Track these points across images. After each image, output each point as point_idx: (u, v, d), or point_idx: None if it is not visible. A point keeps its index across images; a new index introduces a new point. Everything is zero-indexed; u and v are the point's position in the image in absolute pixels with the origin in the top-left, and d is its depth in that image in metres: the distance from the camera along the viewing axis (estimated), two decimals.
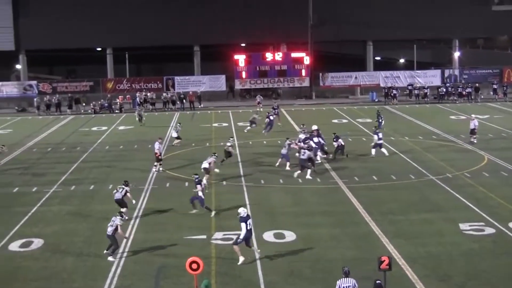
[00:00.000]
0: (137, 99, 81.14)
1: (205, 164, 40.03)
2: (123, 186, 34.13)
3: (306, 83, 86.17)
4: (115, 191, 34.15)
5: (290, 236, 30.07)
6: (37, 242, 30.17)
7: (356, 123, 63.96)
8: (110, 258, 27.90)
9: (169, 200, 37.07)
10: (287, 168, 43.36)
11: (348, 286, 20.88)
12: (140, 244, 29.45)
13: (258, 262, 26.73)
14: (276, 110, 62.52)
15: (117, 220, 28.34)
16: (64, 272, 26.36)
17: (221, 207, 34.89)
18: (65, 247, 29.36)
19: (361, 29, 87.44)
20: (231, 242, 29.14)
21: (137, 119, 67.05)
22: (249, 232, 27.14)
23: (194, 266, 21.25)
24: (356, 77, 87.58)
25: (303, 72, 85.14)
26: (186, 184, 40.33)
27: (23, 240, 30.50)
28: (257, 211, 34.07)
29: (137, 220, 33.07)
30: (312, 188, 38.86)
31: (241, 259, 26.96)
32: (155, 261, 27.22)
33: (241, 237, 27.05)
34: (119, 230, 28.28)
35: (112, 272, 26.13)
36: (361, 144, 52.47)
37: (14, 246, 29.73)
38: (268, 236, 30.04)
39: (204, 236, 30.03)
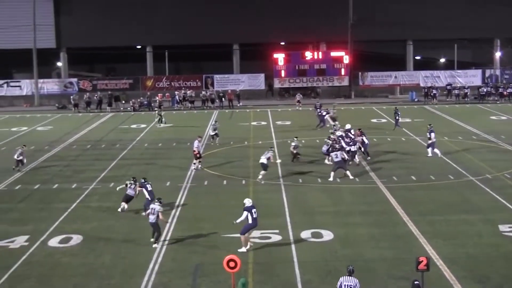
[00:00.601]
0: (176, 97, 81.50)
1: (263, 159, 40.21)
2: (132, 182, 34.87)
3: (345, 82, 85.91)
4: (126, 186, 34.88)
5: (327, 235, 30.00)
6: (76, 238, 30.41)
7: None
8: (154, 245, 28.82)
9: (207, 198, 37.18)
10: (326, 162, 44.24)
11: (350, 285, 20.70)
12: (178, 242, 29.55)
13: (296, 261, 26.71)
14: (320, 110, 61.98)
15: (157, 207, 29.32)
16: (103, 268, 26.54)
17: (259, 206, 34.87)
18: (104, 244, 29.57)
19: (401, 28, 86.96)
20: (268, 240, 29.23)
21: (156, 119, 66.54)
22: (254, 221, 28.14)
23: (232, 264, 21.29)
24: (395, 77, 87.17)
25: (343, 71, 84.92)
26: (224, 182, 40.41)
27: (63, 236, 30.77)
28: (295, 210, 34.04)
29: (175, 218, 33.18)
30: (351, 188, 38.74)
31: (243, 249, 27.96)
32: (193, 259, 27.30)
33: (238, 220, 28.31)
34: (161, 216, 29.13)
35: (150, 269, 26.25)
36: (400, 144, 52.20)
37: (54, 242, 30.00)
38: (306, 235, 29.99)
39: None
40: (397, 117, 58.65)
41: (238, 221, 28.31)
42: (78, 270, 26.31)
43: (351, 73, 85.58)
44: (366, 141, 46.45)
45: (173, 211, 34.35)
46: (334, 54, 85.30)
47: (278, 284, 24.45)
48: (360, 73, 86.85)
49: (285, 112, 73.87)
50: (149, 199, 33.14)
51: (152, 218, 29.22)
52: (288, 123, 64.99)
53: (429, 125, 48.49)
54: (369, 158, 45.90)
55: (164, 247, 28.87)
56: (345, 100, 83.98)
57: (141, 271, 26.04)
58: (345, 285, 20.70)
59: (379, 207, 34.65)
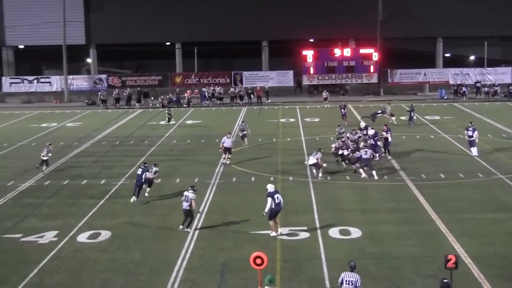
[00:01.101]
0: (205, 93, 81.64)
1: (312, 160, 40.24)
2: (152, 166, 37.54)
3: (374, 79, 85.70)
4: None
5: (355, 232, 29.89)
6: (105, 234, 30.52)
7: (424, 120, 63.26)
8: (187, 229, 30.27)
9: (235, 194, 37.21)
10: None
11: (351, 280, 20.73)
12: (206, 238, 29.57)
13: (323, 258, 26.64)
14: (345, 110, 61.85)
15: (190, 195, 30.51)
16: (131, 264, 26.61)
17: (287, 202, 34.85)
18: (132, 240, 29.63)
19: (430, 25, 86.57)
20: (296, 237, 29.21)
21: (167, 118, 65.60)
22: (277, 205, 29.28)
23: (258, 261, 21.26)
24: (425, 74, 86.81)
25: (371, 69, 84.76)
26: (253, 179, 40.42)
27: (91, 232, 30.89)
28: (323, 207, 33.96)
29: (203, 214, 33.21)
30: (379, 185, 38.59)
31: (273, 233, 29.34)
32: (221, 256, 27.30)
33: (266, 210, 29.27)
34: (193, 204, 30.25)
35: (178, 265, 26.27)
36: (429, 141, 51.95)
37: (83, 238, 30.13)
38: (334, 232, 29.90)
39: (270, 231, 30.03)
40: (411, 114, 58.46)
41: (266, 210, 29.27)
42: (106, 266, 26.42)
43: (380, 70, 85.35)
44: (389, 139, 46.15)
45: (201, 207, 34.39)
46: (363, 51, 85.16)
47: (306, 281, 24.40)
48: (389, 70, 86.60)
49: (313, 109, 73.82)
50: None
51: (185, 205, 30.41)
52: (316, 120, 64.93)
53: (470, 123, 47.63)
54: (389, 157, 45.49)
55: (192, 243, 28.90)
56: (374, 97, 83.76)
57: (169, 267, 26.08)
58: (346, 281, 20.73)
59: (407, 204, 34.49)
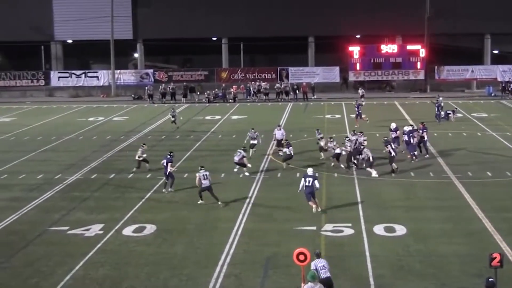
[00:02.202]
0: (251, 89, 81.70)
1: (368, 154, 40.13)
2: (241, 151, 40.64)
3: (421, 76, 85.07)
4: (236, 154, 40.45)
5: (400, 230, 29.68)
6: (150, 228, 30.67)
7: (471, 117, 62.66)
8: (219, 203, 33.71)
9: (280, 190, 37.16)
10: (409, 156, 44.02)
11: (324, 265, 21.46)
12: (250, 234, 29.60)
13: (368, 255, 26.50)
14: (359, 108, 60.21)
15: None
16: (175, 258, 26.72)
17: (332, 199, 34.77)
18: (177, 234, 29.74)
19: (478, 21, 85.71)
20: (340, 234, 29.10)
21: (172, 120, 60.20)
22: (307, 188, 32.05)
23: (301, 257, 21.19)
24: (472, 71, 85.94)
25: (418, 65, 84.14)
26: (297, 174, 40.29)
27: (137, 226, 31.07)
28: (368, 204, 33.79)
29: (248, 209, 33.25)
30: (425, 183, 38.29)
31: (314, 208, 32.17)
32: (265, 251, 27.29)
33: (299, 190, 32.58)
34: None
35: (222, 260, 26.32)
36: (476, 139, 51.44)
37: (128, 231, 30.33)
38: (378, 229, 29.73)
39: (314, 227, 29.95)
40: (439, 110, 57.67)
41: (299, 189, 32.53)
42: (151, 259, 26.55)
43: (427, 66, 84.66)
44: (425, 137, 45.49)
45: (246, 202, 34.41)
46: (410, 47, 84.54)
47: (350, 278, 24.29)
48: (436, 67, 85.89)
49: None
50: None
51: (206, 183, 33.90)
52: (362, 116, 64.53)
53: None
54: (427, 156, 44.89)
55: (237, 238, 28.94)
56: (421, 94, 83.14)
57: (213, 262, 26.12)
58: (320, 266, 21.41)
59: (453, 202, 34.16)
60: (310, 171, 32.42)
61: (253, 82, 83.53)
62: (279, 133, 46.37)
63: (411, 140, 44.05)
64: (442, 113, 58.91)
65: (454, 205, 33.65)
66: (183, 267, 25.69)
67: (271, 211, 33.05)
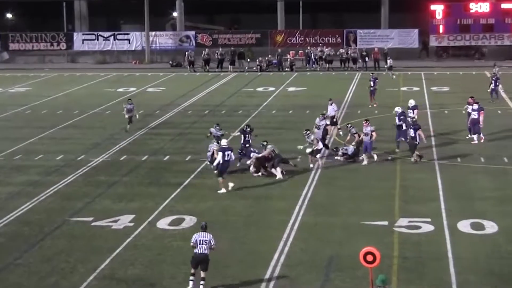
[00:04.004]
0: (311, 55, 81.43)
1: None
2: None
3: None
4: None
5: (490, 227, 29.44)
6: (189, 220, 30.80)
7: None
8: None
9: (344, 177, 37.09)
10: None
11: (205, 240, 23.62)
12: (309, 229, 29.59)
13: (450, 257, 26.33)
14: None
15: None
16: (218, 255, 26.68)
17: (407, 188, 34.59)
18: (220, 227, 29.67)
19: None
20: (418, 231, 28.97)
21: (126, 118, 49.49)
22: (226, 163, 34.54)
23: (370, 258, 21.15)
24: None
25: None
26: (365, 162, 40.04)
27: (174, 217, 31.21)
28: (451, 195, 33.60)
29: (306, 201, 33.23)
30: None
31: (220, 191, 34.52)
32: (327, 250, 27.26)
33: (214, 164, 35.76)
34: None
35: (274, 260, 26.32)
36: None
37: (163, 224, 30.48)
38: (464, 226, 29.53)
39: (386, 223, 29.86)
40: (496, 84, 56.41)
41: (214, 164, 35.53)
42: (190, 257, 26.59)
43: None
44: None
45: (304, 192, 34.38)
46: (505, 6, 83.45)
47: (428, 284, 24.16)
48: None
49: (442, 76, 72.94)
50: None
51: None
52: (445, 89, 64.14)
53: None
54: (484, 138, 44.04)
55: (293, 234, 28.97)
56: None
57: (263, 261, 26.15)
58: (200, 241, 23.62)
59: None
60: (225, 142, 35.56)
61: (314, 48, 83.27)
62: (330, 109, 45.98)
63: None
64: (498, 87, 57.39)
65: None
66: (227, 266, 25.76)
67: (334, 202, 33.03)
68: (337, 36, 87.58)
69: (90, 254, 27.14)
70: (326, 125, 42.19)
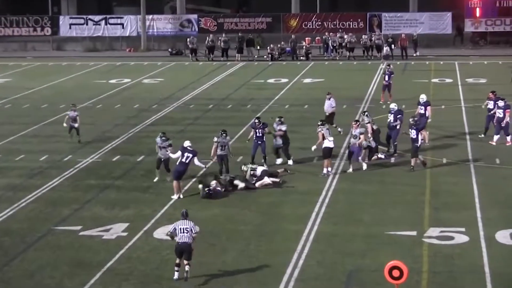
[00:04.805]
0: (330, 42, 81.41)
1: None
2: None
3: None
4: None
5: None
6: None
7: None
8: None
9: (366, 181, 37.12)
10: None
11: (186, 228, 25.39)
12: (327, 239, 29.65)
13: (488, 271, 26.34)
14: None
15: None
16: (224, 268, 26.80)
17: (439, 193, 34.62)
18: (227, 238, 29.89)
19: None
20: (450, 242, 29.00)
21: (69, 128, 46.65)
22: (182, 165, 35.20)
23: (396, 273, 21.25)
24: None
25: None
26: (392, 160, 40.09)
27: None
28: (489, 201, 33.64)
29: (323, 207, 33.28)
30: None
31: (174, 196, 34.89)
32: (347, 263, 27.32)
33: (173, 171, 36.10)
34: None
35: (287, 274, 26.39)
36: None
37: (161, 233, 30.48)
38: (503, 236, 29.56)
39: (414, 233, 29.90)
40: None
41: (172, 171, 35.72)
42: (191, 271, 26.71)
43: None
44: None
45: (321, 198, 34.42)
46: None
47: None
48: None
49: (479, 66, 72.93)
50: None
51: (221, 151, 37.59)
52: (482, 81, 64.11)
53: None
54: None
55: (308, 245, 29.02)
56: None
57: (275, 276, 26.20)
58: (180, 229, 25.37)
59: None
60: (187, 143, 35.64)
61: (333, 33, 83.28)
62: (327, 104, 45.80)
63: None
64: None
65: None
66: (235, 282, 25.84)
67: (355, 210, 33.06)
68: (359, 20, 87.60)
69: (78, 268, 27.22)
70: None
